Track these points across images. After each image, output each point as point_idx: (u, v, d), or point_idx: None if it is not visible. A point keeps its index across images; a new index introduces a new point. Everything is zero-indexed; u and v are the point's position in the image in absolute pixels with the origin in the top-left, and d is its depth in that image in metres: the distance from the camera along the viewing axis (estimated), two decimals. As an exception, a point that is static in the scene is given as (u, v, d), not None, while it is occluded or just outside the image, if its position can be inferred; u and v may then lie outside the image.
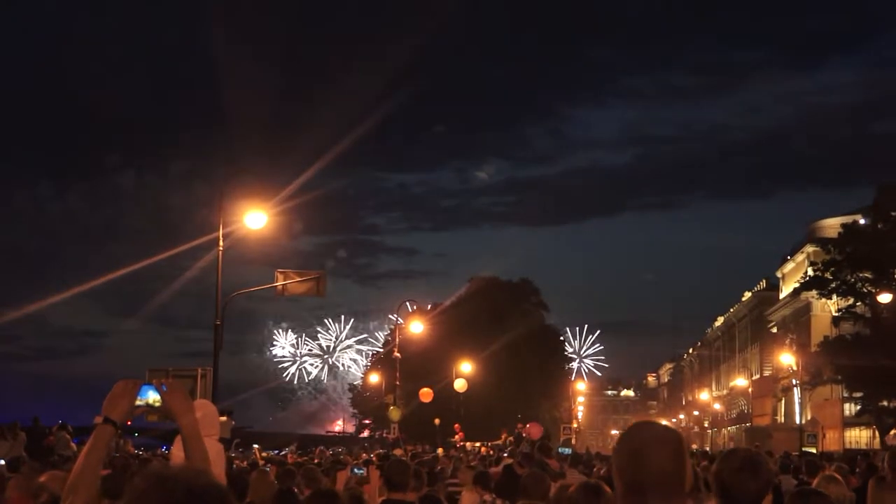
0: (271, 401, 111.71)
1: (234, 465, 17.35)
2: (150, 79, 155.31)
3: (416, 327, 45.25)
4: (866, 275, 46.13)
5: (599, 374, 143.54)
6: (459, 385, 46.97)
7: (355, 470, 11.71)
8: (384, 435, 53.44)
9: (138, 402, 3.28)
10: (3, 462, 17.72)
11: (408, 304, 50.31)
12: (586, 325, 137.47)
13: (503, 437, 44.93)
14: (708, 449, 61.03)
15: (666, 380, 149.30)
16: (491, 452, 33.03)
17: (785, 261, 78.94)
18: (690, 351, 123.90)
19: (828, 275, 47.99)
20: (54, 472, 7.00)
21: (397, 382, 42.41)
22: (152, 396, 3.30)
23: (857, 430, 58.93)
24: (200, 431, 3.42)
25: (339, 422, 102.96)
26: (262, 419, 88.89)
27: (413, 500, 7.67)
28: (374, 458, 20.34)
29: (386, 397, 45.40)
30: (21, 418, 25.68)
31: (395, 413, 40.19)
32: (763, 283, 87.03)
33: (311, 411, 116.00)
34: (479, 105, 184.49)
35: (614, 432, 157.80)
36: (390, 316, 76.34)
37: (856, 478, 12.96)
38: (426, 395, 44.31)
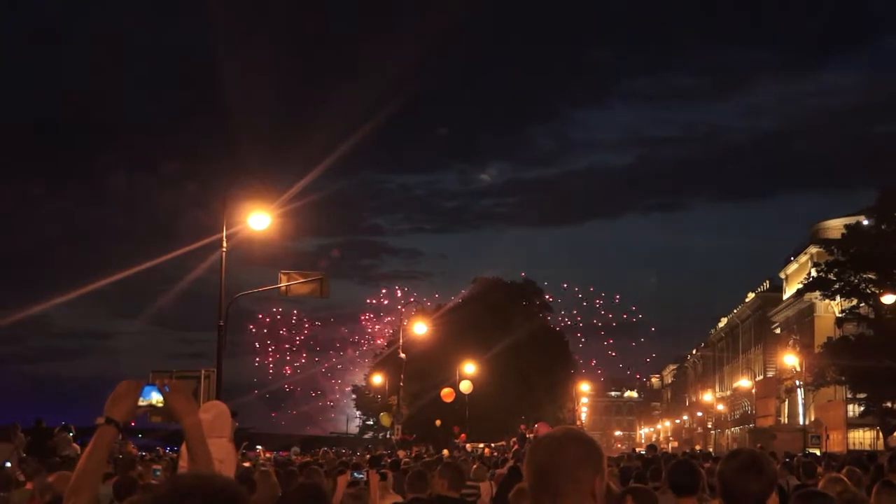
0: (273, 402, 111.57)
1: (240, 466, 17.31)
2: (151, 80, 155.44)
3: (420, 328, 45.21)
4: (870, 276, 46.10)
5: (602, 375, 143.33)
6: (465, 387, 46.95)
7: (355, 474, 11.60)
8: (388, 436, 53.40)
9: (141, 403, 3.26)
10: (9, 464, 17.75)
11: (409, 304, 50.36)
12: (588, 326, 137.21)
13: (509, 440, 44.95)
14: (711, 450, 61.03)
15: (669, 381, 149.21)
16: (495, 454, 32.99)
17: (788, 262, 78.93)
18: (694, 352, 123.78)
19: (831, 276, 47.93)
20: (62, 472, 7.02)
21: (401, 384, 42.41)
22: (155, 397, 3.28)
23: (861, 431, 58.86)
24: (204, 433, 3.40)
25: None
26: (265, 420, 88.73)
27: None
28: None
29: (389, 398, 45.42)
30: (24, 420, 25.66)
31: (385, 419, 40.32)
32: (766, 284, 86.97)
33: (313, 412, 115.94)
34: (481, 107, 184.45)
35: (618, 433, 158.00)
36: (393, 317, 76.30)
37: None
38: (448, 395, 44.47)
